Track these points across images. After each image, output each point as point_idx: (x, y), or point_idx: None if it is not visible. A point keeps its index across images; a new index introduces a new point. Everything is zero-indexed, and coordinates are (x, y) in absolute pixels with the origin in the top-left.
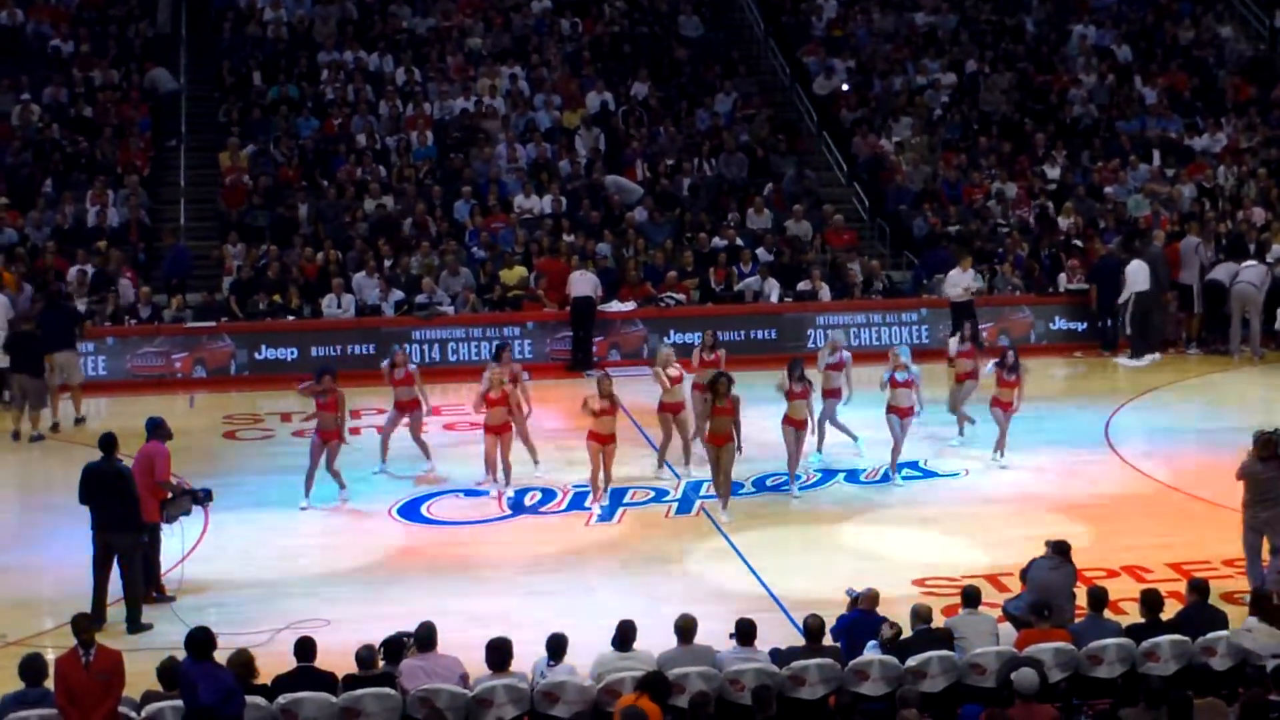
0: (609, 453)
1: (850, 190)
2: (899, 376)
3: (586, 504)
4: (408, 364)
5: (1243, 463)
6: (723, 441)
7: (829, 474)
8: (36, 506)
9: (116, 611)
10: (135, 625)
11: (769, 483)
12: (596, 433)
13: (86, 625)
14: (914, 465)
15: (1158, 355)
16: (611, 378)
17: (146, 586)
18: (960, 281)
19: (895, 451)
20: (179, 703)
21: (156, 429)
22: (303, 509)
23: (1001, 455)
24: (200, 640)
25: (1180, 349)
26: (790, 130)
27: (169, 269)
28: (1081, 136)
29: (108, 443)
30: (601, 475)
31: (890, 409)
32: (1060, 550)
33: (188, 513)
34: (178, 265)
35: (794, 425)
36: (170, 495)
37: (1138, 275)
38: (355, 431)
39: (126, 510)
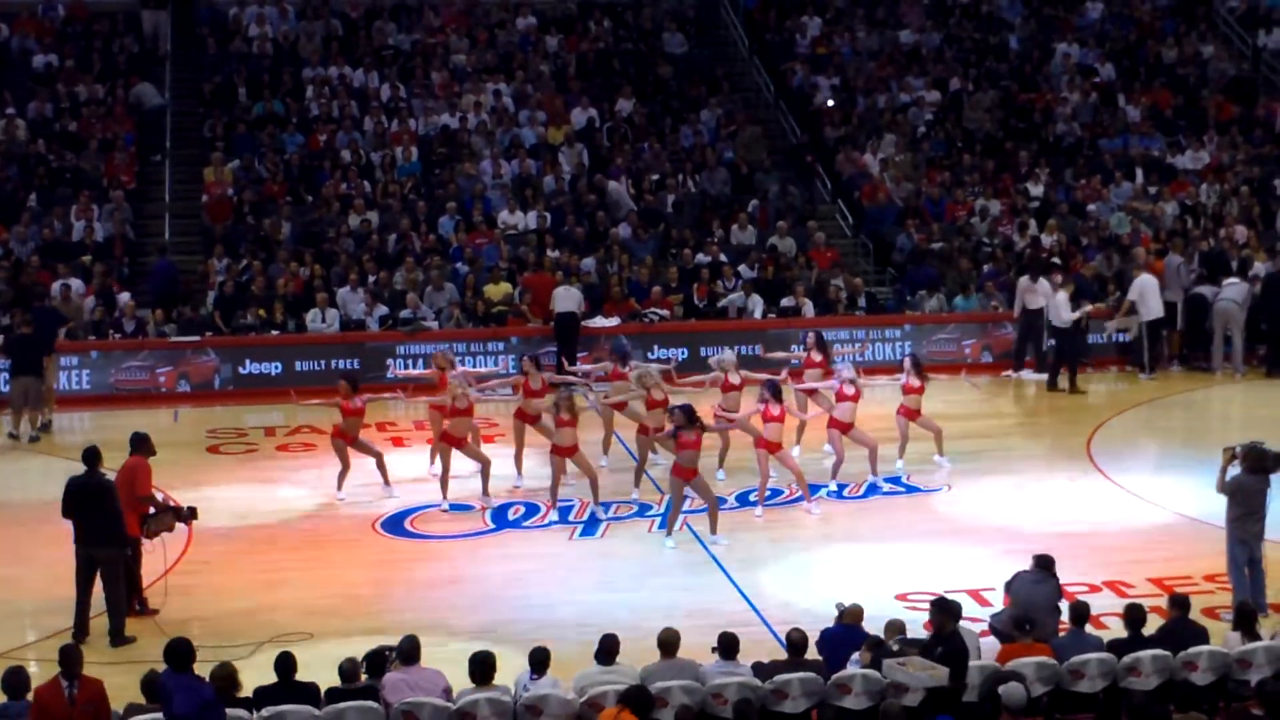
0: (581, 459)
1: (834, 207)
2: (846, 390)
3: (571, 517)
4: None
5: (1228, 476)
6: (690, 476)
7: (814, 488)
8: (19, 519)
9: (99, 625)
10: (118, 638)
11: (751, 498)
12: (559, 446)
13: (77, 659)
14: (897, 480)
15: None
16: (574, 393)
17: (129, 599)
18: (1064, 306)
19: (836, 465)
20: (160, 715)
21: (140, 444)
22: (340, 499)
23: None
24: (179, 651)
25: (1163, 366)
26: (792, 153)
27: (155, 284)
28: (1065, 154)
29: (91, 456)
30: (569, 488)
31: (832, 423)
32: (1044, 565)
33: (170, 529)
34: (164, 280)
35: (767, 448)
36: (153, 511)
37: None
38: (398, 442)
39: (110, 524)
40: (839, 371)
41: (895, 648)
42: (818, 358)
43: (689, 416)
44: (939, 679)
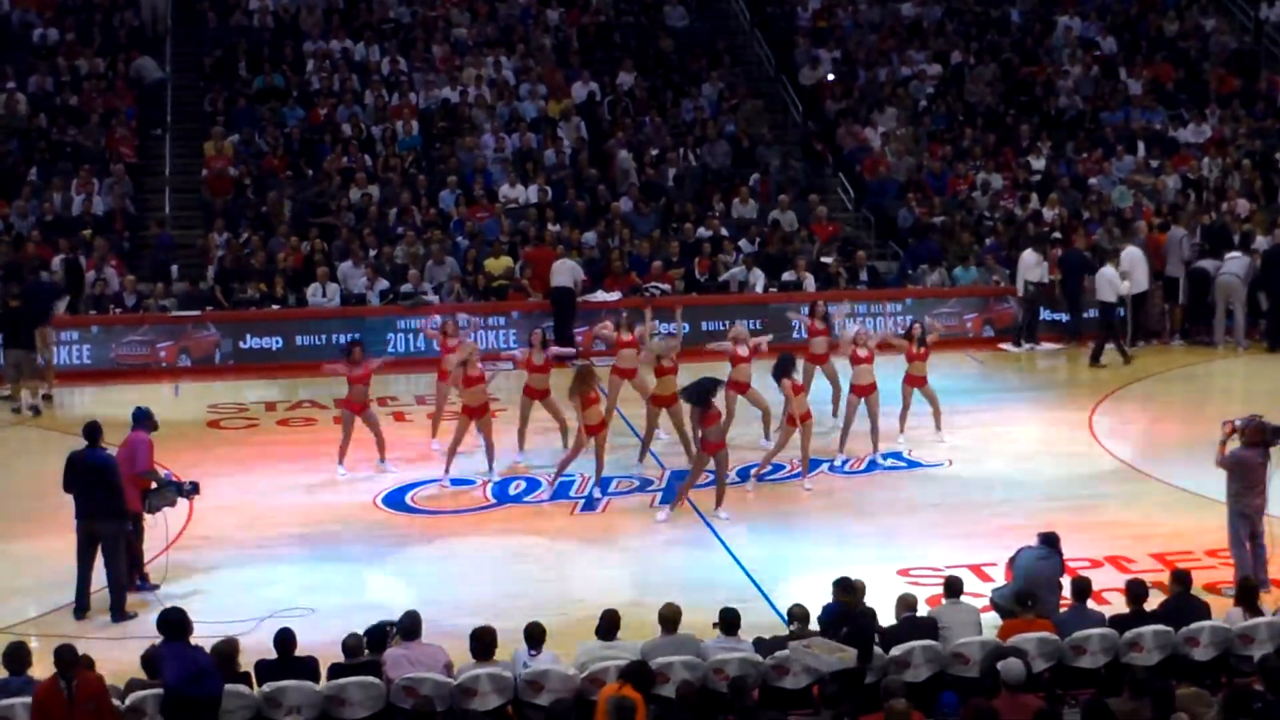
0: (601, 439)
1: (836, 180)
2: (859, 352)
3: (572, 492)
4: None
5: (1229, 451)
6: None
7: (814, 463)
8: (19, 493)
9: (100, 600)
10: (119, 614)
11: (753, 473)
12: (589, 424)
13: (72, 659)
14: (898, 455)
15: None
16: (594, 368)
17: (130, 574)
18: (1115, 280)
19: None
20: (160, 690)
21: (143, 419)
22: (341, 476)
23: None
24: (171, 621)
25: (1164, 340)
26: (804, 142)
27: (157, 258)
28: (1066, 128)
29: (92, 431)
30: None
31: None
32: (1049, 541)
33: (171, 504)
34: (165, 254)
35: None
36: (154, 485)
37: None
38: (400, 417)
39: (111, 499)
40: (843, 328)
41: (794, 628)
42: (821, 325)
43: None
44: (847, 660)
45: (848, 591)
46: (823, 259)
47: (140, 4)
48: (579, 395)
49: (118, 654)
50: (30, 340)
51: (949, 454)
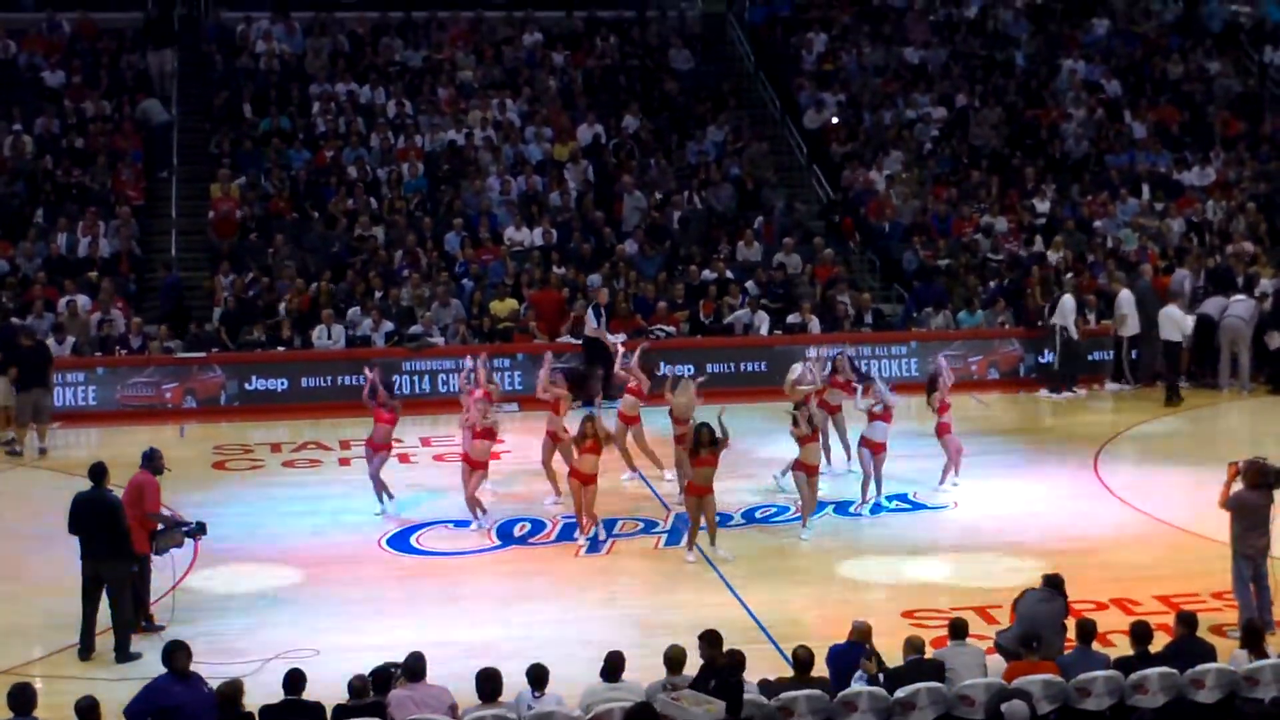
0: (589, 493)
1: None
2: (876, 409)
3: (575, 535)
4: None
5: (1232, 492)
6: (704, 493)
7: (819, 505)
8: (25, 534)
9: (105, 641)
10: (123, 654)
11: (758, 514)
12: (578, 470)
13: (28, 699)
14: (903, 498)
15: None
16: (597, 417)
17: (136, 615)
18: (1179, 319)
19: (865, 483)
20: None
21: (150, 460)
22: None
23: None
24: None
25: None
26: (824, 211)
27: (165, 300)
28: (1071, 171)
29: (98, 472)
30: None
31: (864, 442)
32: (1052, 583)
33: (179, 545)
34: (172, 296)
35: (805, 470)
36: (161, 527)
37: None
38: (404, 459)
39: (116, 540)
40: (881, 394)
41: (668, 686)
42: (841, 379)
43: (711, 436)
44: (716, 713)
45: (713, 645)
46: (839, 299)
47: (149, 62)
48: (581, 441)
49: (121, 694)
50: (45, 379)
51: (954, 496)
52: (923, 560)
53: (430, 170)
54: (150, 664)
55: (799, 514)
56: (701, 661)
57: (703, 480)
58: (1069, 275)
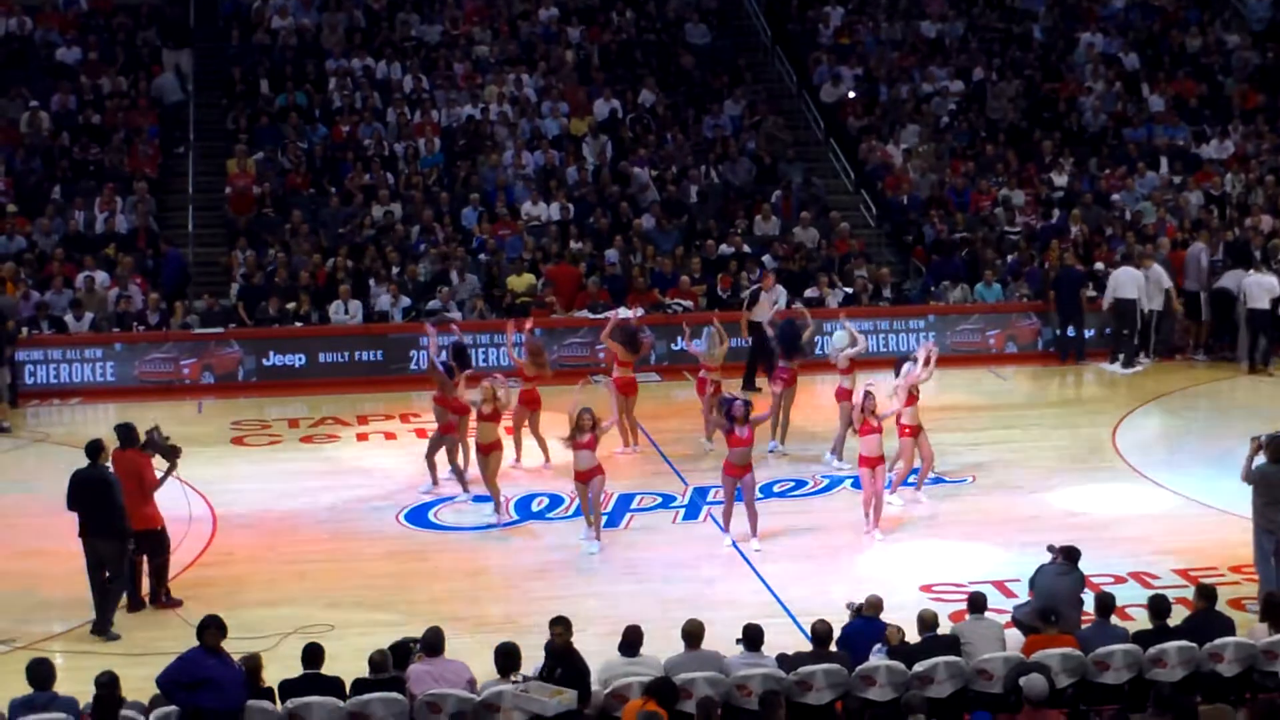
0: (596, 486)
1: (858, 198)
2: (872, 421)
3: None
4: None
5: (1251, 465)
6: (742, 473)
7: (835, 480)
8: (42, 510)
9: (120, 617)
10: (103, 631)
11: (775, 489)
12: (578, 470)
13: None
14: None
15: (1146, 362)
16: (593, 413)
17: (156, 590)
18: (1271, 284)
19: (875, 503)
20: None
21: (128, 437)
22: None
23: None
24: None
25: (1187, 356)
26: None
27: (167, 275)
28: (1089, 144)
29: (94, 449)
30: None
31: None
32: (1069, 556)
33: (170, 462)
34: (175, 271)
35: (868, 464)
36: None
37: (1123, 283)
38: (423, 434)
39: (110, 517)
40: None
41: (518, 680)
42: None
43: (744, 412)
44: (568, 702)
45: (565, 628)
46: (856, 274)
47: (164, 63)
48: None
49: (138, 670)
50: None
51: (972, 470)
52: (940, 533)
53: (447, 145)
54: (164, 641)
55: (819, 486)
56: (742, 636)
57: (739, 460)
58: (1138, 248)
